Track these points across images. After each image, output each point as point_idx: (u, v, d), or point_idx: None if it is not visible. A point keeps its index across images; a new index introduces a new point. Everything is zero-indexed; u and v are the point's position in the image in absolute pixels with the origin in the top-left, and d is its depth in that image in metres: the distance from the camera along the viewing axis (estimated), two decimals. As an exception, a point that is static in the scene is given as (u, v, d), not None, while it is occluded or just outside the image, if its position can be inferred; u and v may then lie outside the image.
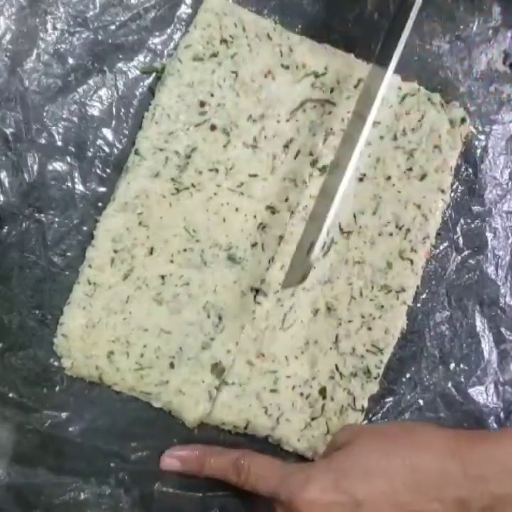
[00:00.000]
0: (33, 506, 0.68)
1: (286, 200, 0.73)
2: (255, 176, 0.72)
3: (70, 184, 0.71)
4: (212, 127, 0.72)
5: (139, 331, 0.70)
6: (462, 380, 0.78)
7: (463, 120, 0.77)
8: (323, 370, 0.73)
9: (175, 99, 0.71)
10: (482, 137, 0.80)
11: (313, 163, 0.74)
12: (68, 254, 0.71)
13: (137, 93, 0.73)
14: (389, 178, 0.75)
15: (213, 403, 0.71)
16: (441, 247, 0.78)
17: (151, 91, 0.73)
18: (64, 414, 0.70)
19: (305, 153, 0.74)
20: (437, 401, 0.78)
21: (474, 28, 0.80)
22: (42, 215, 0.70)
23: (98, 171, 0.72)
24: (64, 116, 0.71)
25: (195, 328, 0.71)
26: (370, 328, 0.74)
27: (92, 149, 0.72)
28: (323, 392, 0.73)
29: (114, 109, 0.72)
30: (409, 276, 0.75)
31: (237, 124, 0.72)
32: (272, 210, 0.73)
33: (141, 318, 0.70)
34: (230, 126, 0.72)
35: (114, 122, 0.72)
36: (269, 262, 0.72)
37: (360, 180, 0.74)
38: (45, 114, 0.71)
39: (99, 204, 0.71)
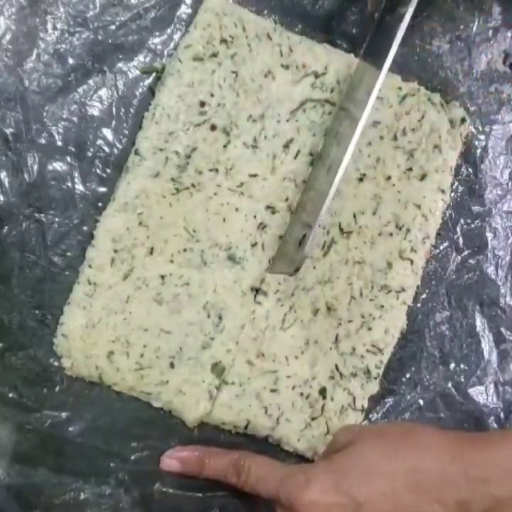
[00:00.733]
0: (33, 506, 0.68)
1: (286, 199, 0.73)
2: (255, 175, 0.72)
3: (70, 184, 0.71)
4: (212, 127, 0.72)
5: (139, 331, 0.70)
6: (462, 380, 0.78)
7: (463, 120, 0.77)
8: (323, 370, 0.73)
9: (175, 99, 0.71)
10: (482, 137, 0.80)
11: (314, 163, 0.74)
12: (68, 254, 0.71)
13: (137, 93, 0.73)
14: (389, 178, 0.75)
15: (213, 403, 0.71)
16: (441, 247, 0.78)
17: (151, 91, 0.73)
18: (64, 414, 0.70)
19: (305, 153, 0.74)
20: (437, 401, 0.78)
21: (474, 28, 0.80)
22: (42, 215, 0.70)
23: (98, 171, 0.72)
24: (64, 116, 0.71)
25: (195, 328, 0.71)
26: (370, 328, 0.74)
27: (92, 149, 0.72)
28: (323, 392, 0.73)
29: (114, 109, 0.72)
30: (409, 276, 0.75)
31: (237, 124, 0.72)
32: (271, 209, 0.73)
33: (141, 318, 0.70)
34: (230, 126, 0.72)
35: (114, 122, 0.72)
36: (269, 261, 0.72)
37: (360, 180, 0.74)
38: (45, 114, 0.71)
39: (99, 204, 0.72)
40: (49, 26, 0.71)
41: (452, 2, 0.79)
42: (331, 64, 0.74)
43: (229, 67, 0.72)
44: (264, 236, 0.72)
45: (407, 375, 0.77)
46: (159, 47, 0.73)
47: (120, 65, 0.72)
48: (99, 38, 0.72)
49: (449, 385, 0.78)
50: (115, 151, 0.72)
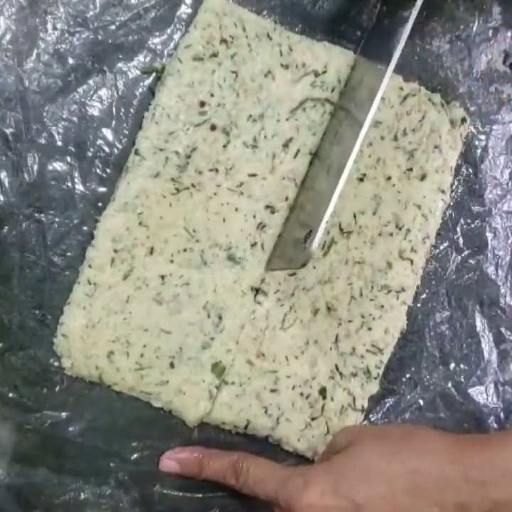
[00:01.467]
0: (33, 506, 0.68)
1: (286, 199, 0.73)
2: (254, 175, 0.72)
3: (70, 184, 0.71)
4: (212, 127, 0.72)
5: (139, 331, 0.70)
6: (462, 380, 0.78)
7: (463, 120, 0.77)
8: (323, 370, 0.73)
9: (175, 99, 0.71)
10: (482, 137, 0.80)
11: (312, 163, 0.74)
12: (68, 254, 0.71)
13: (137, 93, 0.73)
14: (389, 178, 0.75)
15: (213, 403, 0.71)
16: (441, 247, 0.78)
17: (151, 91, 0.72)
18: (64, 414, 0.70)
19: (305, 152, 0.74)
20: (437, 401, 0.78)
21: (474, 28, 0.80)
22: (42, 215, 0.70)
23: (98, 171, 0.72)
24: (64, 116, 0.71)
25: (195, 328, 0.71)
26: (370, 328, 0.74)
27: (92, 149, 0.72)
28: (323, 392, 0.73)
29: (114, 109, 0.72)
30: (409, 276, 0.75)
31: (236, 124, 0.72)
32: (271, 209, 0.73)
33: (141, 318, 0.70)
34: (229, 126, 0.72)
35: (114, 122, 0.72)
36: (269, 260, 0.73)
37: (361, 180, 0.74)
38: (45, 114, 0.71)
39: (99, 204, 0.71)
40: (49, 26, 0.71)
41: (452, 2, 0.79)
42: (330, 62, 0.74)
43: (229, 67, 0.72)
44: (263, 236, 0.72)
45: (407, 375, 0.77)
46: (159, 47, 0.73)
47: (120, 65, 0.72)
48: (99, 38, 0.72)
49: (449, 385, 0.78)
50: (115, 151, 0.72)
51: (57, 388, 0.70)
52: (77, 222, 0.71)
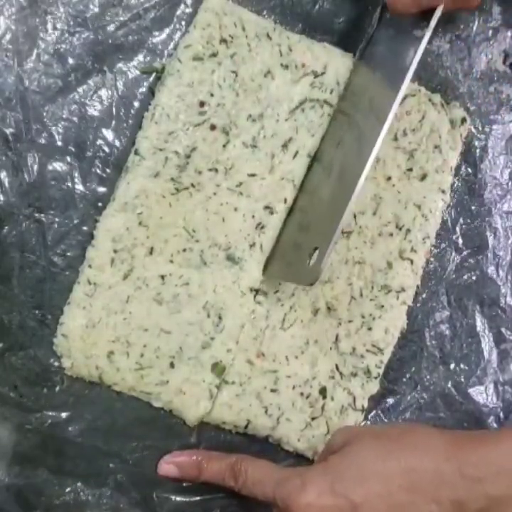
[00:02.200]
0: (33, 507, 0.68)
1: (285, 201, 0.73)
2: (254, 175, 0.72)
3: (70, 184, 0.71)
4: (212, 127, 0.71)
5: (139, 331, 0.70)
6: (462, 379, 0.78)
7: (463, 121, 0.77)
8: (324, 369, 0.73)
9: (175, 99, 0.71)
10: (482, 137, 0.80)
11: (312, 165, 0.74)
12: (68, 254, 0.71)
13: (137, 93, 0.73)
14: (389, 178, 0.75)
15: (214, 402, 0.71)
16: (441, 247, 0.78)
17: (151, 91, 0.72)
18: (64, 414, 0.70)
19: (303, 154, 0.73)
20: (437, 401, 0.78)
21: (474, 27, 0.80)
22: (42, 215, 0.70)
23: (98, 171, 0.72)
24: (64, 116, 0.71)
25: (195, 328, 0.71)
26: (370, 328, 0.74)
27: (92, 149, 0.72)
28: (323, 391, 0.73)
29: (114, 109, 0.72)
30: (409, 276, 0.75)
31: (236, 124, 0.72)
32: (270, 210, 0.73)
33: (141, 318, 0.70)
34: (229, 126, 0.72)
35: (114, 122, 0.72)
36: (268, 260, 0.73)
37: (360, 180, 0.74)
38: (45, 114, 0.71)
39: (99, 204, 0.71)
40: (49, 26, 0.71)
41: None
42: (330, 64, 0.74)
43: (228, 67, 0.72)
44: (262, 237, 0.72)
45: (407, 375, 0.77)
46: (159, 47, 0.73)
47: (120, 65, 0.72)
48: (99, 38, 0.72)
49: (449, 384, 0.78)
50: (115, 151, 0.72)
51: (57, 388, 0.70)
52: (77, 222, 0.71)
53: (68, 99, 0.71)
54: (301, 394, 0.73)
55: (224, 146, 0.72)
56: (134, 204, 0.70)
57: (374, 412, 0.76)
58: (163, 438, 0.72)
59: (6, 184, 0.70)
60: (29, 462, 0.69)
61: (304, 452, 0.73)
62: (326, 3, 0.77)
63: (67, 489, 0.69)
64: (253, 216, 0.72)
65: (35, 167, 0.70)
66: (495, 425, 0.79)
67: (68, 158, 0.71)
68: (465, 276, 0.79)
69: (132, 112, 0.73)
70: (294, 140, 0.73)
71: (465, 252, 0.79)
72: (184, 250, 0.71)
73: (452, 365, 0.78)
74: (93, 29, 0.72)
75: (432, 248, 0.77)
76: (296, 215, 0.72)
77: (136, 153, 0.70)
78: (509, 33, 0.80)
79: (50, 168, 0.71)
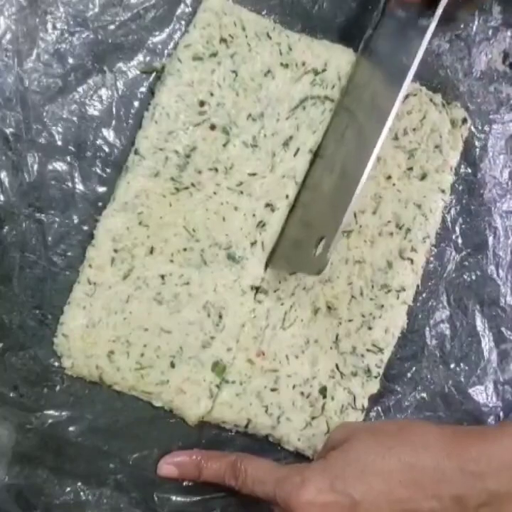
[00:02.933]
0: (33, 507, 0.68)
1: (287, 197, 0.73)
2: (254, 174, 0.72)
3: (70, 184, 0.71)
4: (212, 127, 0.72)
5: (139, 331, 0.70)
6: (462, 379, 0.78)
7: (464, 121, 0.77)
8: (324, 369, 0.73)
9: (175, 99, 0.71)
10: (482, 136, 0.80)
11: (315, 161, 0.74)
12: (68, 254, 0.71)
13: (137, 93, 0.73)
14: (389, 177, 0.75)
15: (214, 401, 0.71)
16: (441, 247, 0.78)
17: (151, 91, 0.72)
18: (64, 414, 0.70)
19: (305, 150, 0.74)
20: (437, 400, 0.78)
21: (474, 27, 0.80)
22: (42, 215, 0.70)
23: (98, 170, 0.72)
24: (64, 116, 0.71)
25: (196, 327, 0.71)
26: (370, 328, 0.74)
27: (92, 149, 0.72)
28: (323, 391, 0.73)
29: (114, 109, 0.72)
30: (409, 275, 0.75)
31: (236, 123, 0.72)
32: (271, 207, 0.73)
33: (142, 317, 0.70)
34: (229, 126, 0.72)
35: (114, 122, 0.72)
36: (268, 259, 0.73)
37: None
38: (45, 114, 0.71)
39: (99, 204, 0.71)
40: (49, 26, 0.71)
41: (452, 1, 0.80)
42: (331, 60, 0.74)
43: (228, 67, 0.72)
44: (263, 234, 0.72)
45: (408, 375, 0.77)
46: (159, 47, 0.73)
47: (120, 64, 0.72)
48: (99, 37, 0.72)
49: (449, 384, 0.78)
50: (115, 151, 0.72)
51: (57, 388, 0.70)
52: (77, 222, 0.71)
53: (68, 99, 0.71)
54: (302, 393, 0.73)
55: (224, 145, 0.72)
56: (134, 204, 0.70)
57: (374, 411, 0.76)
58: (163, 438, 0.72)
59: (6, 184, 0.70)
60: (29, 462, 0.69)
61: (304, 451, 0.73)
62: (326, 2, 0.77)
63: (67, 489, 0.69)
64: (254, 215, 0.72)
65: (35, 167, 0.70)
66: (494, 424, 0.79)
67: (68, 158, 0.71)
68: (465, 276, 0.79)
69: (132, 111, 0.73)
70: (295, 138, 0.73)
71: (465, 252, 0.79)
72: (184, 250, 0.71)
73: (452, 365, 0.78)
74: (93, 29, 0.72)
75: (432, 247, 0.77)
76: (299, 211, 0.72)
77: (136, 152, 0.70)
78: (509, 33, 0.81)
79: (50, 168, 0.71)
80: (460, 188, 0.79)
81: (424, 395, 0.77)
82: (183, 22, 0.73)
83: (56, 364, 0.70)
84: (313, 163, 0.74)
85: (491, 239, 0.79)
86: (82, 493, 0.69)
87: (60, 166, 0.71)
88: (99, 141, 0.72)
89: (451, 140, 0.77)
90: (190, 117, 0.71)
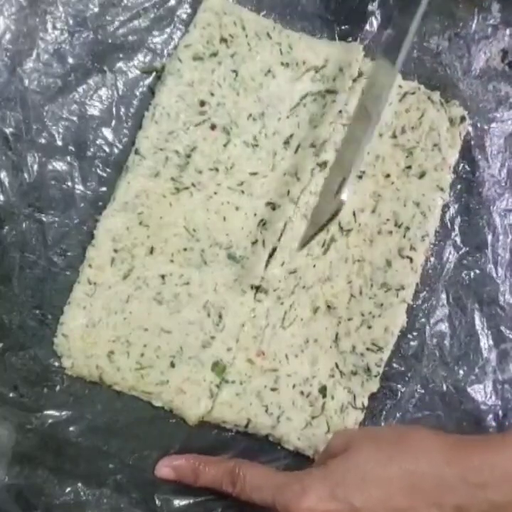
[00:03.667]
0: (33, 507, 0.68)
1: (288, 193, 0.73)
2: (255, 174, 0.72)
3: (70, 184, 0.71)
4: (212, 126, 0.72)
5: (139, 331, 0.70)
6: (461, 378, 0.78)
7: (462, 119, 0.77)
8: (324, 368, 0.73)
9: (175, 99, 0.71)
10: (480, 135, 0.80)
11: (315, 155, 0.74)
12: (68, 253, 0.71)
13: (137, 93, 0.73)
14: (388, 175, 0.75)
15: (214, 401, 0.71)
16: (440, 245, 0.78)
17: (151, 91, 0.73)
18: (64, 414, 0.70)
19: (305, 146, 0.74)
20: (436, 399, 0.78)
21: (473, 25, 0.80)
22: (42, 215, 0.70)
23: (98, 170, 0.72)
24: (64, 116, 0.71)
25: (196, 327, 0.71)
26: (369, 327, 0.74)
27: (92, 149, 0.72)
28: (323, 390, 0.73)
29: (114, 109, 0.72)
30: (409, 274, 0.75)
31: (237, 123, 0.72)
32: (272, 205, 0.73)
33: (142, 317, 0.70)
34: (230, 125, 0.72)
35: (114, 122, 0.72)
36: (269, 258, 0.73)
37: (360, 177, 0.74)
38: (45, 114, 0.71)
39: (99, 204, 0.72)
40: (49, 26, 0.71)
41: (451, 0, 0.80)
42: (331, 55, 0.75)
43: (229, 66, 0.72)
44: (264, 233, 0.72)
45: (408, 374, 0.77)
46: (159, 46, 0.73)
47: (120, 64, 0.73)
48: (99, 37, 0.72)
49: (448, 383, 0.78)
50: (115, 150, 0.72)
51: (57, 388, 0.70)
52: (77, 222, 0.71)
53: (68, 99, 0.72)
54: (302, 393, 0.73)
55: (224, 145, 0.72)
56: (135, 204, 0.70)
57: (374, 410, 0.76)
58: (163, 438, 0.71)
59: (6, 184, 0.70)
60: (29, 462, 0.69)
61: (304, 451, 0.73)
62: (326, 2, 0.77)
63: (67, 489, 0.69)
64: (255, 214, 0.72)
65: (35, 167, 0.71)
66: (493, 424, 0.79)
67: (68, 158, 0.71)
68: (464, 275, 0.79)
69: (132, 111, 0.73)
70: (296, 135, 0.74)
71: (464, 250, 0.79)
72: (185, 250, 0.71)
73: (451, 364, 0.78)
74: (93, 29, 0.72)
75: (431, 246, 0.77)
76: (331, 180, 0.67)
77: (137, 152, 0.71)
78: (508, 31, 0.81)
79: (50, 168, 0.71)
80: (459, 186, 0.79)
81: (423, 393, 0.77)
82: (183, 22, 0.74)
83: (56, 364, 0.70)
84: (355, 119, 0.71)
85: (490, 237, 0.79)
86: (82, 493, 0.69)
87: (60, 166, 0.71)
88: (99, 141, 0.72)
89: (450, 138, 0.77)
90: (191, 117, 0.71)
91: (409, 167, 0.75)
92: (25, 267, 0.70)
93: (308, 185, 0.73)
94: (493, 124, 0.80)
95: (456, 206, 0.79)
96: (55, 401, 0.70)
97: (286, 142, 0.73)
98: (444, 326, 0.78)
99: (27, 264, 0.70)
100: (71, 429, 0.70)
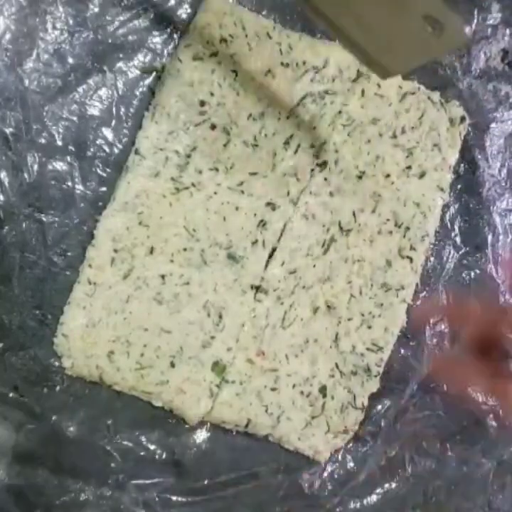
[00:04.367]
0: (34, 507, 0.69)
1: (288, 194, 0.73)
2: (255, 174, 0.72)
3: (70, 184, 0.71)
4: (212, 126, 0.72)
5: (139, 331, 0.70)
6: (461, 378, 0.78)
7: (462, 119, 0.77)
8: (324, 368, 0.73)
9: (175, 99, 0.71)
10: (480, 135, 0.80)
11: (315, 155, 0.74)
12: (68, 253, 0.71)
13: (137, 93, 0.73)
14: (388, 175, 0.75)
15: (214, 401, 0.71)
16: (440, 245, 0.79)
17: (151, 91, 0.73)
18: (64, 414, 0.70)
19: (305, 146, 0.74)
20: (436, 399, 0.78)
21: (473, 25, 0.80)
22: (42, 215, 0.70)
23: (98, 170, 0.72)
24: (64, 116, 0.71)
25: (196, 327, 0.71)
26: (369, 327, 0.74)
27: (92, 149, 0.72)
28: (323, 390, 0.73)
29: (114, 109, 0.72)
30: (409, 274, 0.75)
31: (237, 123, 0.72)
32: (272, 206, 0.73)
33: (142, 317, 0.70)
34: (229, 125, 0.72)
35: (114, 122, 0.72)
36: (269, 257, 0.73)
37: (359, 177, 0.75)
38: (45, 114, 0.71)
39: (99, 204, 0.72)
40: (49, 26, 0.71)
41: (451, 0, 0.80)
42: (331, 56, 0.74)
43: (229, 67, 0.72)
44: (264, 233, 0.72)
45: (408, 373, 0.77)
46: (159, 46, 0.73)
47: (120, 64, 0.73)
48: (99, 37, 0.72)
49: (449, 383, 0.78)
50: (115, 150, 0.72)
51: (57, 388, 0.70)
52: (77, 222, 0.71)
53: (68, 99, 0.71)
54: (302, 393, 0.73)
55: (224, 145, 0.72)
56: (135, 204, 0.70)
57: (374, 410, 0.76)
58: (163, 438, 0.72)
59: (6, 184, 0.70)
60: (29, 462, 0.69)
61: (304, 451, 0.73)
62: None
63: (68, 489, 0.69)
64: (255, 214, 0.72)
65: (35, 167, 0.71)
66: (494, 424, 0.79)
67: (68, 158, 0.71)
68: (464, 274, 0.79)
69: (132, 111, 0.73)
70: (296, 135, 0.74)
71: (464, 250, 0.79)
72: (184, 250, 0.71)
73: (451, 364, 0.78)
74: (93, 29, 0.72)
75: (431, 246, 0.77)
76: None
77: (137, 152, 0.71)
78: (508, 31, 0.81)
79: (50, 168, 0.71)
80: (459, 186, 0.79)
81: (423, 393, 0.77)
82: (183, 22, 0.74)
83: (56, 364, 0.70)
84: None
85: (489, 237, 0.79)
86: (82, 493, 0.69)
87: (60, 166, 0.71)
88: (99, 141, 0.72)
89: (450, 138, 0.77)
90: (191, 117, 0.71)
91: (409, 167, 0.76)
92: (25, 267, 0.70)
93: (308, 185, 0.73)
94: (493, 124, 0.80)
95: (456, 206, 0.79)
96: (55, 401, 0.70)
97: (286, 142, 0.73)
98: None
99: (27, 264, 0.70)
100: (71, 429, 0.70)
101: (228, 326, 0.72)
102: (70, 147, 0.71)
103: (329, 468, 0.75)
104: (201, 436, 0.73)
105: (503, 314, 0.78)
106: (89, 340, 0.69)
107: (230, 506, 0.72)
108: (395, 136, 0.76)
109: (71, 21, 0.71)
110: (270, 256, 0.73)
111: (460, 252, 0.79)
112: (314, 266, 0.73)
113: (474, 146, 0.80)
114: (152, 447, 0.71)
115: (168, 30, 0.73)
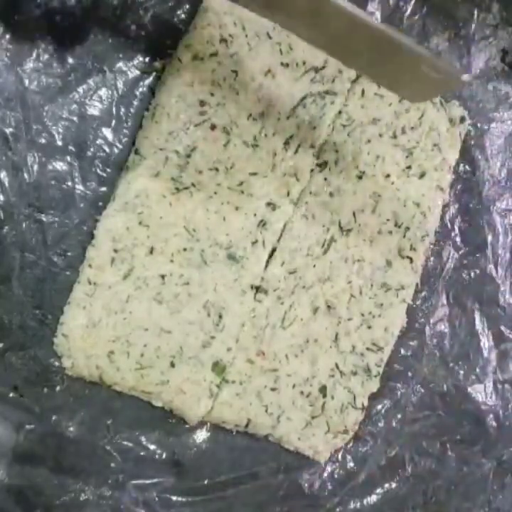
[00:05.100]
0: (34, 507, 0.68)
1: (288, 194, 0.73)
2: (255, 174, 0.72)
3: (70, 184, 0.71)
4: (212, 126, 0.72)
5: (139, 331, 0.70)
6: (461, 378, 0.78)
7: (462, 119, 0.77)
8: (324, 368, 0.73)
9: (175, 99, 0.71)
10: (480, 135, 0.80)
11: (315, 155, 0.74)
12: (68, 254, 0.71)
13: (137, 93, 0.73)
14: (388, 175, 0.75)
15: (214, 401, 0.71)
16: (440, 245, 0.79)
17: (151, 91, 0.73)
18: (64, 414, 0.70)
19: (305, 146, 0.74)
20: (436, 399, 0.78)
21: (473, 26, 0.80)
22: (42, 215, 0.70)
23: (98, 170, 0.72)
24: (64, 116, 0.71)
25: (196, 327, 0.71)
26: (369, 327, 0.74)
27: (92, 149, 0.72)
28: (323, 390, 0.73)
29: (114, 109, 0.72)
30: (409, 274, 0.75)
31: (237, 123, 0.72)
32: (272, 206, 0.73)
33: (142, 317, 0.70)
34: (230, 126, 0.72)
35: (114, 122, 0.72)
36: (269, 257, 0.73)
37: (360, 177, 0.75)
38: (45, 114, 0.71)
39: (99, 204, 0.72)
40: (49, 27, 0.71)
41: (451, 0, 0.80)
42: (331, 57, 0.74)
43: (229, 66, 0.72)
44: (264, 233, 0.72)
45: (408, 373, 0.77)
46: (159, 46, 0.73)
47: (120, 64, 0.72)
48: (99, 37, 0.72)
49: (449, 383, 0.78)
50: (115, 150, 0.72)
51: (57, 388, 0.70)
52: (77, 222, 0.71)
53: (68, 99, 0.71)
54: (302, 392, 0.73)
55: (224, 145, 0.72)
56: (135, 204, 0.70)
57: (374, 410, 0.76)
58: (163, 438, 0.72)
59: (6, 184, 0.70)
60: (29, 462, 0.69)
61: (304, 451, 0.73)
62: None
63: (68, 489, 0.69)
64: (255, 214, 0.72)
65: (35, 167, 0.70)
66: (494, 424, 0.79)
67: (68, 158, 0.71)
68: (464, 274, 0.79)
69: (132, 111, 0.73)
70: (296, 136, 0.74)
71: (464, 250, 0.79)
72: (184, 250, 0.71)
73: (451, 364, 0.78)
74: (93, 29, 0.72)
75: (431, 246, 0.78)
76: None
77: (137, 152, 0.71)
78: (507, 31, 0.81)
79: (50, 168, 0.71)
80: (459, 186, 0.79)
81: (423, 393, 0.77)
82: (183, 22, 0.74)
83: (56, 364, 0.70)
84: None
85: (489, 237, 0.80)
86: (82, 493, 0.69)
87: (60, 166, 0.71)
88: (99, 141, 0.72)
89: (450, 138, 0.77)
90: (191, 117, 0.71)
91: (409, 167, 0.76)
92: (25, 267, 0.70)
93: (308, 185, 0.73)
94: (493, 124, 0.80)
95: (456, 206, 0.79)
96: (55, 401, 0.70)
97: (286, 142, 0.73)
98: (444, 326, 0.78)
99: (27, 264, 0.70)
100: (71, 429, 0.70)
101: (228, 326, 0.72)
102: (70, 147, 0.71)
103: (329, 468, 0.75)
104: (201, 436, 0.73)
105: None
106: (89, 340, 0.69)
107: (230, 506, 0.72)
108: (395, 136, 0.76)
109: (71, 21, 0.72)
110: (270, 256, 0.73)
111: (460, 252, 0.79)
112: (314, 266, 0.73)
113: (474, 146, 0.80)
114: (152, 447, 0.71)
115: (168, 29, 0.73)
